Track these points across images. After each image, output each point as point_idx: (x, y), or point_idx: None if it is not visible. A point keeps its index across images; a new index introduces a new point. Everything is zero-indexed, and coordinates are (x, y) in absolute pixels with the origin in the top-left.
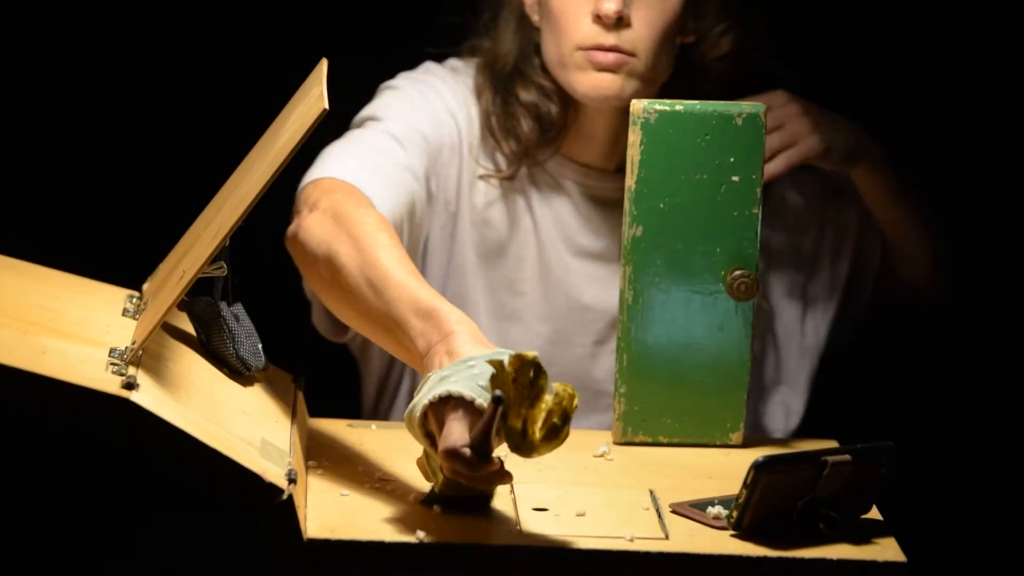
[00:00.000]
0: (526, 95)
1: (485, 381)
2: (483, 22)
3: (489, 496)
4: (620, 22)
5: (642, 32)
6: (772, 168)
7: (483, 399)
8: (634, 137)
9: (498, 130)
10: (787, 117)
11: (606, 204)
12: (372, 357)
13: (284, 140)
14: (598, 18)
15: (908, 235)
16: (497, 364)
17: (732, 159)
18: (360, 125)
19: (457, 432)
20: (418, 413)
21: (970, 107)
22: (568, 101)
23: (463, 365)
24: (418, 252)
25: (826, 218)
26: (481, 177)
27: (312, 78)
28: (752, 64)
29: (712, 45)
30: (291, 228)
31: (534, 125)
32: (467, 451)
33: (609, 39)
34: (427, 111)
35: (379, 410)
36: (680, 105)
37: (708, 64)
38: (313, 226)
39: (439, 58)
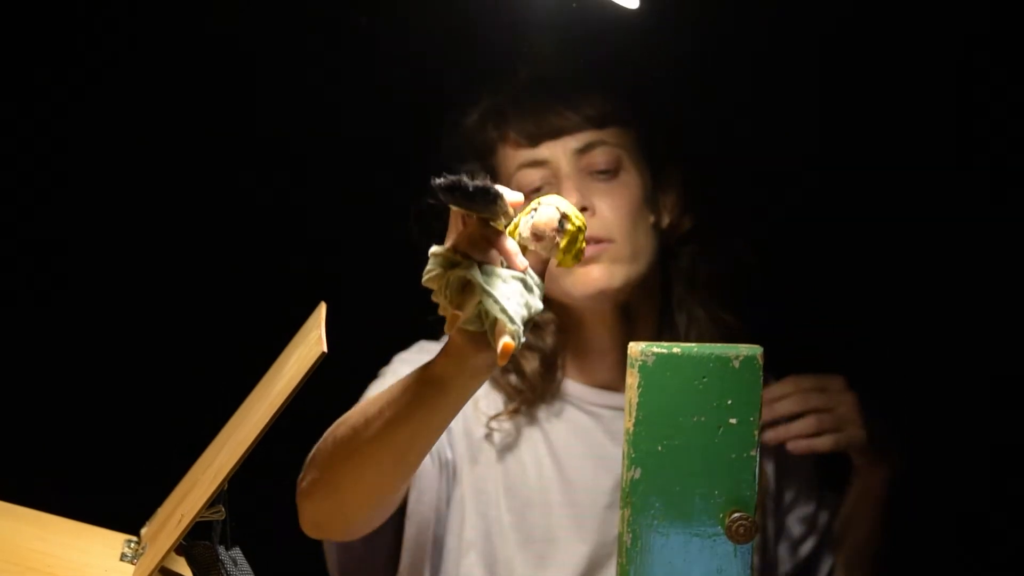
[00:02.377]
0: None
1: None
2: None
3: None
4: (584, 212)
5: (609, 217)
6: (819, 445)
7: None
8: (632, 379)
9: (500, 377)
10: (841, 403)
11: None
12: None
13: (283, 383)
14: None
15: (871, 545)
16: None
17: (730, 401)
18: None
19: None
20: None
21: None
22: (565, 326)
23: None
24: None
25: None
26: (489, 422)
27: (311, 321)
28: (716, 244)
29: (676, 224)
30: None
31: (536, 363)
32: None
33: None
34: None
35: None
36: (677, 347)
37: (682, 250)
38: (317, 455)
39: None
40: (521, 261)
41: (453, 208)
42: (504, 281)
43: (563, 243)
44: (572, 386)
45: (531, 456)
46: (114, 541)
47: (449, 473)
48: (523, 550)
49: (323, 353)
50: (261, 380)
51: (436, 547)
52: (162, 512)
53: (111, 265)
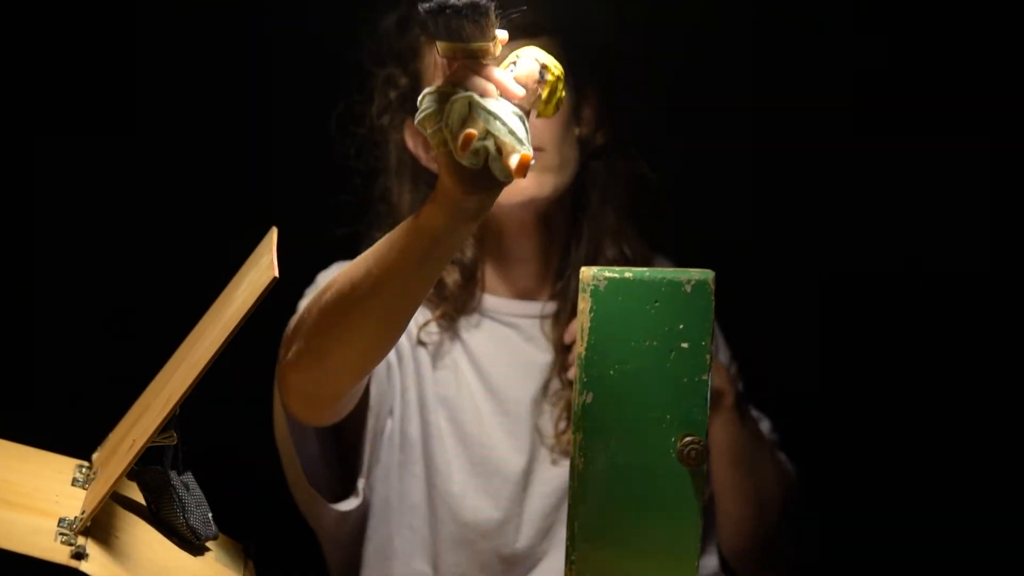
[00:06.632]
0: None
1: None
2: (377, 190)
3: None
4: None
5: (540, 125)
6: None
7: None
8: (584, 304)
9: None
10: None
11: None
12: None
13: (234, 308)
14: None
15: (735, 496)
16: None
17: (681, 326)
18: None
19: None
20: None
21: None
22: (484, 237)
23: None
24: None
25: None
26: (419, 332)
27: (262, 246)
28: (625, 160)
29: (591, 138)
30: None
31: (456, 275)
32: None
33: None
34: None
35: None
36: (629, 272)
37: (594, 163)
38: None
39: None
40: (517, 89)
41: (440, 52)
42: (504, 109)
43: (544, 94)
44: (489, 299)
45: (457, 369)
46: (65, 466)
47: (394, 375)
48: (459, 456)
49: (275, 278)
50: (213, 305)
51: (387, 442)
52: (114, 437)
53: (66, 189)
